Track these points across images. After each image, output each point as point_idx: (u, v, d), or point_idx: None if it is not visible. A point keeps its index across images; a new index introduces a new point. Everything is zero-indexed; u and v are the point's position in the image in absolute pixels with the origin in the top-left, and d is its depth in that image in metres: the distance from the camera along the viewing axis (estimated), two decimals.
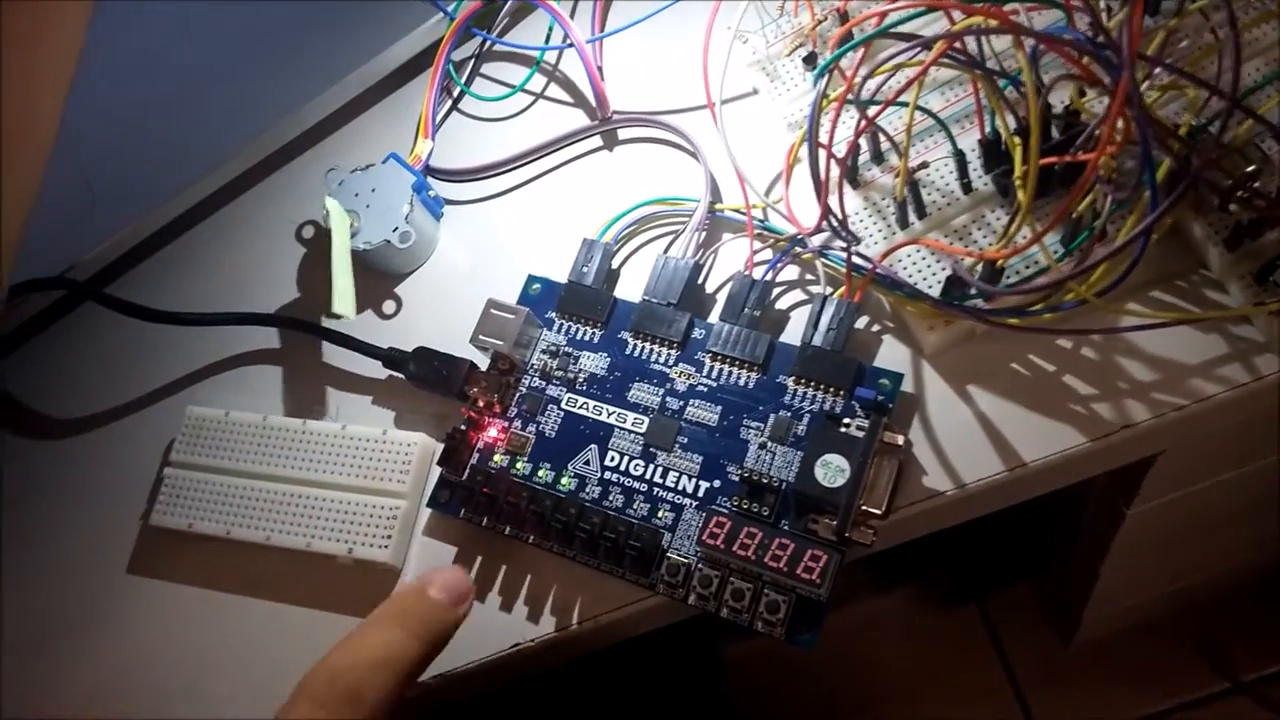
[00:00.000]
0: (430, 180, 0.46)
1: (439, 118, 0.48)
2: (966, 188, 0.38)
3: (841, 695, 0.90)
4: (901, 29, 0.30)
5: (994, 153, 0.37)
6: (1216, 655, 0.86)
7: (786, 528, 0.36)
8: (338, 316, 0.40)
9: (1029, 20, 0.35)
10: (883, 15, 0.30)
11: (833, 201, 0.34)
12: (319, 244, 0.48)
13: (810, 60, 0.40)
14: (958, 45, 0.32)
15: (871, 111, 0.32)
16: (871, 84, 0.34)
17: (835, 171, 0.33)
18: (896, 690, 0.90)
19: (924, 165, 0.37)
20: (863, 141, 0.37)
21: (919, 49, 0.31)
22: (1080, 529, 0.66)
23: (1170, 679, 0.86)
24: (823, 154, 0.31)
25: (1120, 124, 0.30)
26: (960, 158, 0.37)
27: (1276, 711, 0.84)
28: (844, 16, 0.40)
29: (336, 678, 0.31)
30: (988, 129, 0.36)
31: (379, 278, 0.46)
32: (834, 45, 0.35)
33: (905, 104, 0.34)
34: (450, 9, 0.47)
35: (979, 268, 0.35)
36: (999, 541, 0.85)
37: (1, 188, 0.33)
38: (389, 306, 0.45)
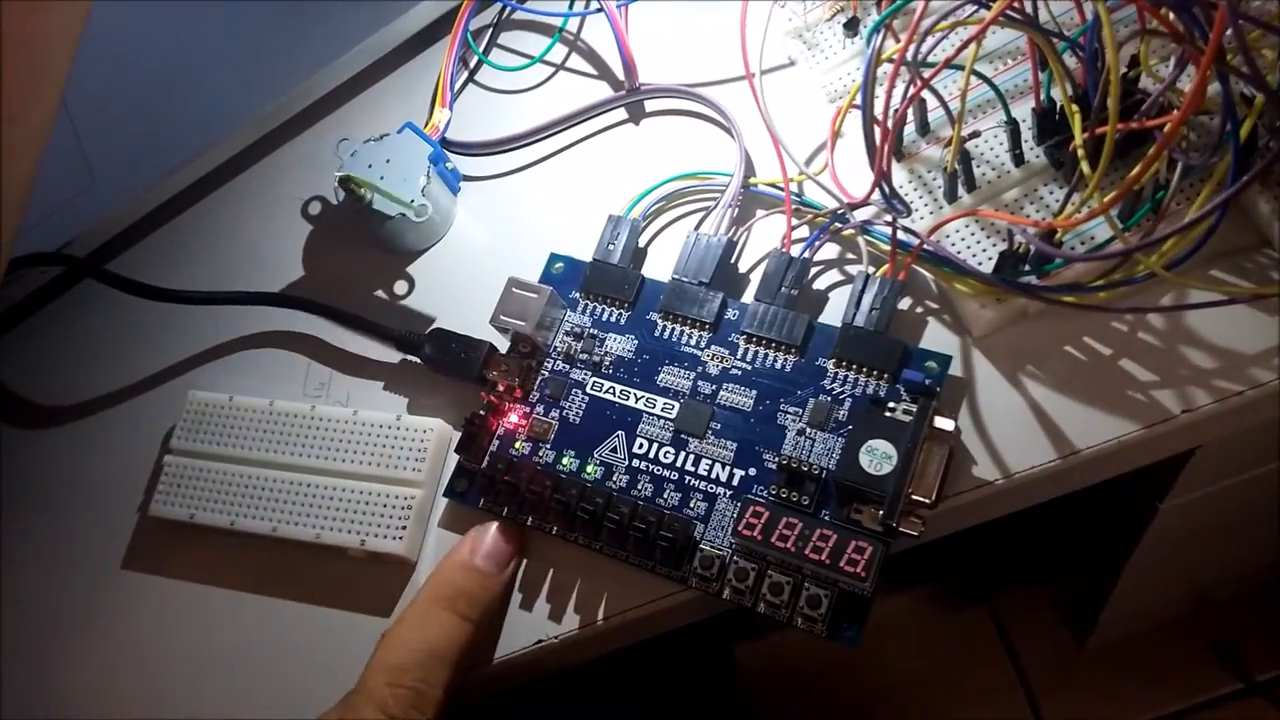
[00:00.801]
0: (447, 153, 0.44)
1: (456, 89, 0.45)
2: (1018, 159, 0.36)
3: (852, 695, 0.89)
4: None
5: (1048, 122, 0.35)
6: (1231, 655, 0.85)
7: (828, 518, 0.34)
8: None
9: None
10: None
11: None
12: (326, 221, 0.46)
13: (851, 26, 0.38)
14: (1015, 3, 0.30)
15: (926, 74, 0.30)
16: (924, 46, 0.31)
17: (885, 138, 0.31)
18: (907, 691, 0.89)
19: (975, 135, 0.35)
20: (909, 111, 0.35)
21: (978, 6, 0.29)
22: (1103, 526, 0.64)
23: (1184, 680, 0.85)
24: (876, 118, 0.29)
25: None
26: (1014, 127, 0.35)
27: None
28: None
29: (400, 677, 0.30)
30: (1043, 97, 0.34)
31: (392, 255, 0.43)
32: (885, 2, 0.33)
33: (959, 67, 0.31)
34: None
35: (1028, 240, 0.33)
36: (1010, 540, 0.83)
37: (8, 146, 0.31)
38: (401, 286, 0.43)
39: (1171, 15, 0.27)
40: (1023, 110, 0.35)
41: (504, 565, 0.33)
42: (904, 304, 0.37)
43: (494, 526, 0.36)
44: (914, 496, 0.32)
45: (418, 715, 0.30)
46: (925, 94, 0.32)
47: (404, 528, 0.37)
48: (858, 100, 0.32)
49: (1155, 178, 0.32)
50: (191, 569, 0.41)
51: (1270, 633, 0.83)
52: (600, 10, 0.41)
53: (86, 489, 0.44)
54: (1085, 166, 0.31)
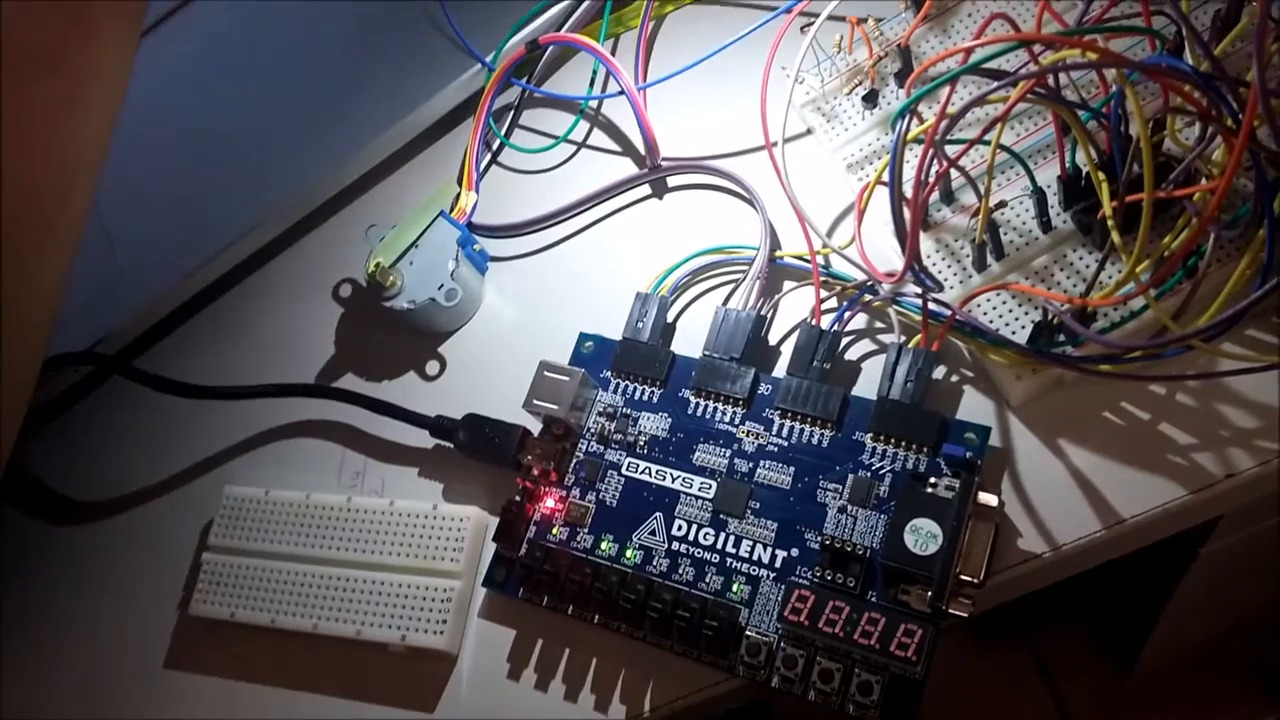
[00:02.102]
0: (474, 235, 0.44)
1: (480, 171, 0.46)
2: (1045, 226, 0.35)
3: None
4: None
5: (1074, 188, 0.35)
6: (1272, 680, 0.84)
7: (875, 600, 0.33)
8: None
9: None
10: (968, 52, 0.28)
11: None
12: (356, 303, 0.46)
13: (870, 99, 0.38)
14: (1040, 82, 0.30)
15: (953, 153, 0.30)
16: (945, 123, 0.31)
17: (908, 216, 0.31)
18: None
19: (1001, 205, 0.35)
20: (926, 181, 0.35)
21: (1002, 85, 0.29)
22: (1142, 570, 0.63)
23: (1228, 708, 0.84)
24: (905, 196, 0.29)
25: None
26: (1040, 195, 0.35)
27: None
28: (906, 51, 0.38)
29: None
30: (1067, 164, 0.34)
31: (422, 337, 0.44)
32: (911, 83, 0.33)
33: (986, 142, 0.31)
34: (489, 60, 0.45)
35: (1061, 312, 0.33)
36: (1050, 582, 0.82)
37: (44, 257, 0.31)
38: (433, 367, 0.43)
39: (1197, 93, 0.26)
40: (1046, 175, 0.35)
41: None
42: (938, 374, 0.37)
43: None
44: (962, 576, 0.32)
45: None
46: (951, 169, 0.32)
47: (444, 621, 0.37)
48: (883, 177, 0.33)
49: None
50: (234, 667, 0.40)
51: None
52: (621, 93, 0.41)
53: (126, 587, 0.44)
54: (1116, 236, 0.31)
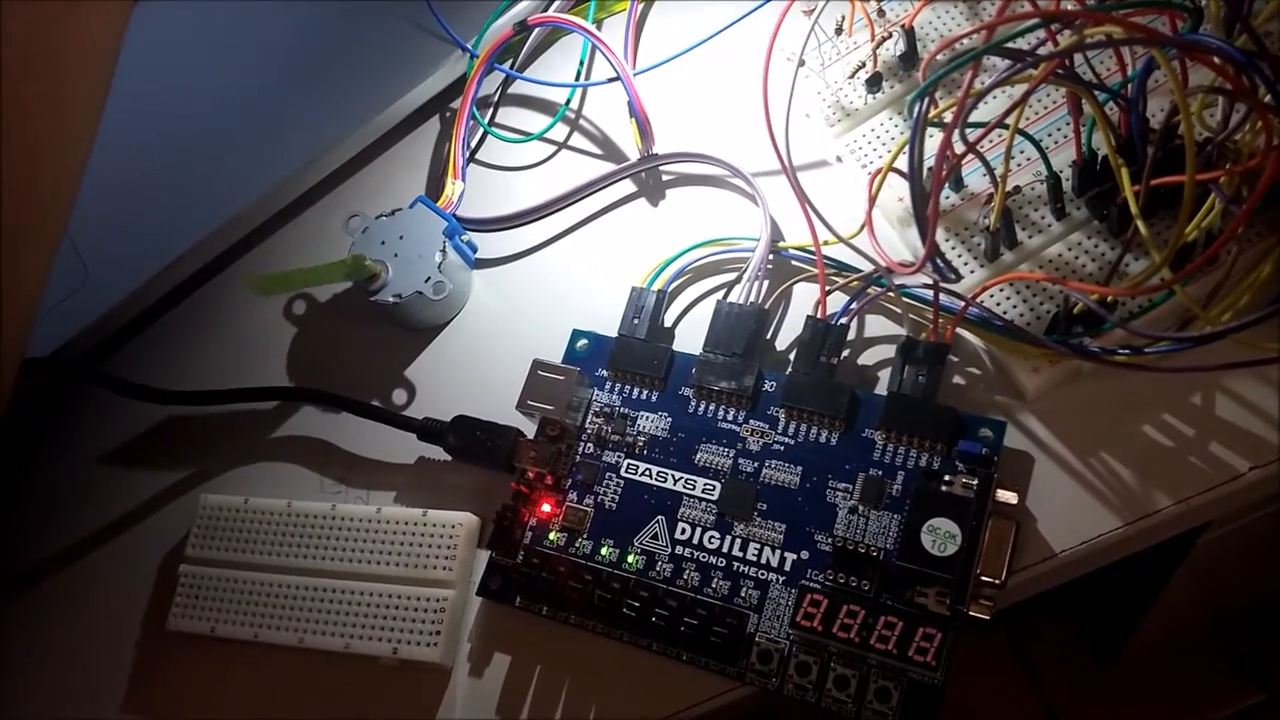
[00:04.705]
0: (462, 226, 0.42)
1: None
2: (1059, 213, 0.34)
3: None
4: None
5: (1089, 174, 0.34)
6: (1254, 667, 0.84)
7: (890, 603, 0.32)
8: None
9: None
10: (991, 29, 0.27)
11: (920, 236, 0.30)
12: (337, 298, 0.44)
13: (874, 83, 0.37)
14: (1062, 62, 0.29)
15: (972, 137, 0.29)
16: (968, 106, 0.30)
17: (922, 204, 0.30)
18: None
19: (1015, 191, 0.34)
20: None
21: (1023, 66, 0.27)
22: (1132, 560, 0.63)
23: (1210, 695, 0.84)
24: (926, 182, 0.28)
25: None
26: (1054, 181, 0.33)
27: None
28: (910, 34, 0.36)
29: None
30: (1083, 147, 0.33)
31: (406, 334, 0.42)
32: (927, 64, 0.32)
33: (1005, 126, 0.30)
34: (471, 45, 0.43)
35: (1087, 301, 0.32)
36: None
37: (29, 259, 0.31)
38: (419, 367, 0.41)
39: (1232, 69, 0.25)
40: (1059, 160, 0.34)
41: None
42: (950, 368, 0.35)
43: None
44: (983, 577, 0.31)
45: None
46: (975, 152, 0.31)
47: (437, 632, 0.35)
48: (897, 164, 0.31)
49: (1209, 229, 0.31)
50: (215, 684, 0.38)
51: None
52: (617, 79, 0.40)
53: (98, 602, 0.41)
54: (1141, 224, 0.29)
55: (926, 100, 0.27)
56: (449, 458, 0.38)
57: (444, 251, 0.40)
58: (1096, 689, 0.85)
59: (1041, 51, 0.28)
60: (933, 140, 0.28)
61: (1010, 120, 0.30)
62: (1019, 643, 0.88)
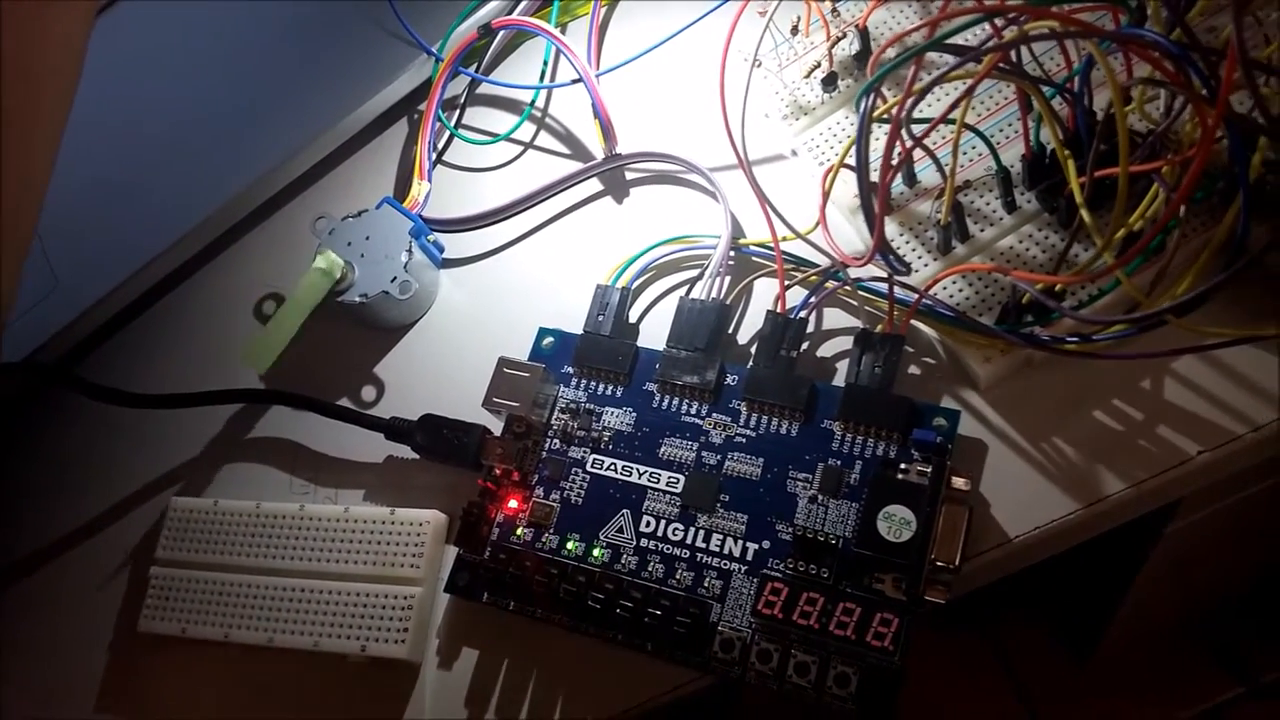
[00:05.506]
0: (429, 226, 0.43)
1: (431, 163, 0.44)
2: (1010, 206, 0.35)
3: None
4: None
5: (1038, 167, 0.34)
6: (1234, 659, 0.85)
7: (849, 590, 0.32)
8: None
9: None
10: (933, 26, 0.28)
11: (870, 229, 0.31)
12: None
13: (830, 81, 0.38)
14: (1004, 56, 0.30)
15: (919, 132, 0.30)
16: (911, 101, 0.31)
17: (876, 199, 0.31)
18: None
19: (965, 185, 0.34)
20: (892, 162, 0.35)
21: (966, 61, 0.28)
22: (1105, 550, 0.63)
23: (1190, 688, 0.84)
24: (872, 179, 0.28)
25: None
26: (1004, 175, 0.34)
27: None
28: (864, 33, 0.37)
29: None
30: (1031, 141, 0.34)
31: (372, 334, 0.42)
32: (874, 61, 0.32)
33: (951, 121, 0.31)
34: (436, 49, 0.44)
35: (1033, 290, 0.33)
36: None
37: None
38: (386, 367, 0.42)
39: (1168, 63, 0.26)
40: (1010, 155, 0.35)
41: None
42: (906, 359, 0.36)
43: None
44: (937, 562, 0.31)
45: None
46: (915, 149, 0.32)
47: (405, 629, 0.36)
48: (848, 160, 0.32)
49: (1154, 218, 0.32)
50: (187, 685, 0.38)
51: (1271, 633, 0.82)
52: (577, 80, 0.40)
53: (69, 605, 0.42)
54: (1085, 213, 0.30)
55: (873, 96, 0.28)
56: (417, 456, 0.39)
57: (410, 252, 0.40)
58: (1076, 687, 0.85)
59: (988, 46, 0.29)
60: (883, 137, 0.28)
61: (956, 115, 0.30)
62: (998, 645, 0.89)
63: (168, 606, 0.38)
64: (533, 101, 0.45)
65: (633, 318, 0.40)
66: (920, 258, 0.35)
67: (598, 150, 0.42)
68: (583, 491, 0.36)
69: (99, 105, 0.44)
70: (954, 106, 0.28)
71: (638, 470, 0.36)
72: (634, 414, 0.37)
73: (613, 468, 0.36)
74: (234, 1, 0.46)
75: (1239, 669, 0.84)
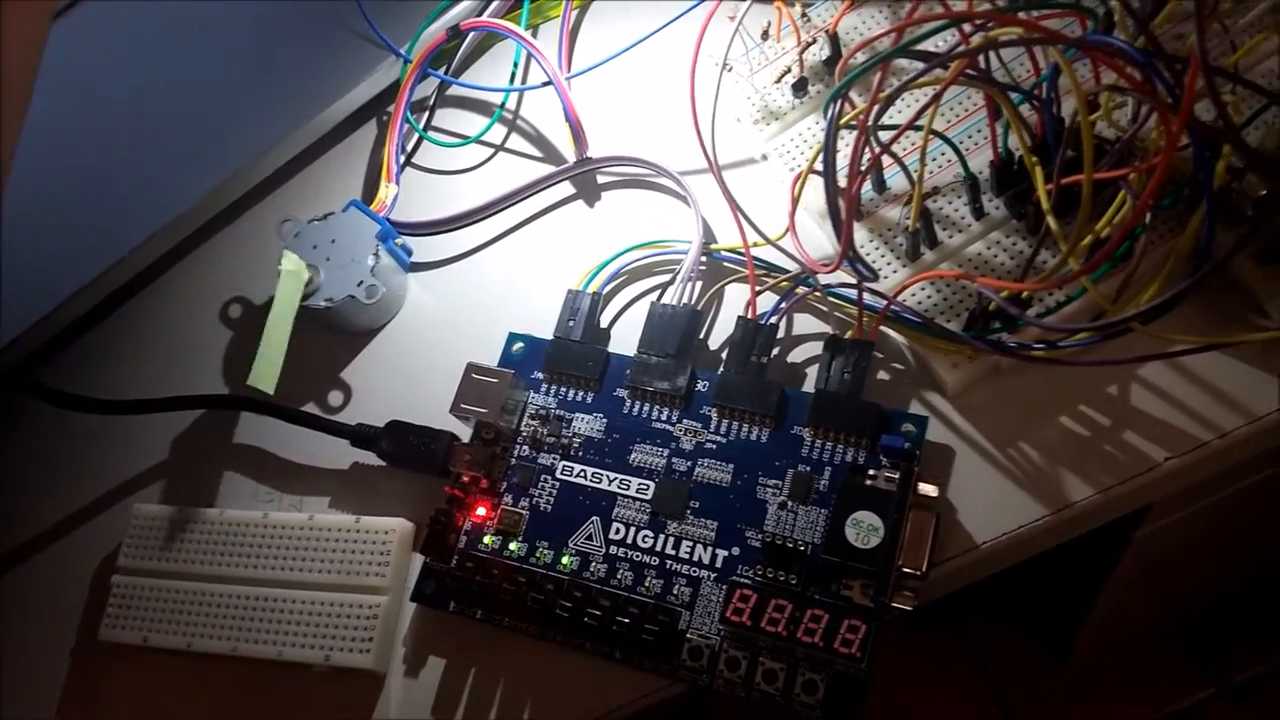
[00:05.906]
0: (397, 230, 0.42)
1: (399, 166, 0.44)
2: (978, 213, 0.35)
3: None
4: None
5: (1006, 174, 0.34)
6: (1207, 660, 0.85)
7: (817, 596, 0.32)
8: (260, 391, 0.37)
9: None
10: (900, 32, 0.28)
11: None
12: (268, 305, 0.44)
13: (800, 87, 0.38)
14: (971, 63, 0.30)
15: (886, 138, 0.30)
16: (877, 108, 0.31)
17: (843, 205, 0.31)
18: None
19: (934, 191, 0.34)
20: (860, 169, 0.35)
21: (934, 68, 0.28)
22: (1076, 554, 0.64)
23: (1164, 689, 0.85)
24: (840, 185, 0.28)
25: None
26: (972, 182, 0.34)
27: (1271, 711, 0.83)
28: (834, 38, 0.37)
29: None
30: (999, 148, 0.34)
31: (338, 338, 0.42)
32: (842, 67, 0.32)
33: (919, 128, 0.31)
34: (405, 50, 0.43)
35: (998, 297, 0.33)
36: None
37: None
38: (353, 372, 0.41)
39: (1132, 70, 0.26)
40: (978, 161, 0.35)
41: None
42: (875, 365, 0.36)
43: None
44: (904, 569, 0.31)
45: None
46: (884, 155, 0.31)
47: (370, 639, 0.35)
48: (816, 165, 0.32)
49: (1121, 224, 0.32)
50: (149, 694, 0.38)
51: (1244, 633, 0.83)
52: (547, 83, 0.40)
53: (29, 613, 0.41)
54: (1052, 220, 0.30)
55: (840, 103, 0.28)
56: (383, 463, 0.38)
57: (377, 255, 0.40)
58: (1053, 690, 0.85)
59: (955, 52, 0.29)
60: (845, 143, 0.28)
61: (924, 122, 0.30)
62: (972, 649, 0.89)
63: (130, 615, 0.38)
64: (502, 104, 0.44)
65: (604, 323, 0.39)
66: (889, 264, 0.35)
67: (569, 154, 0.42)
68: (552, 498, 0.36)
69: (63, 107, 0.43)
70: (921, 113, 0.28)
71: (608, 477, 0.36)
72: (604, 420, 0.37)
73: (583, 474, 0.36)
74: (199, 1, 0.46)
75: (1211, 670, 0.85)
